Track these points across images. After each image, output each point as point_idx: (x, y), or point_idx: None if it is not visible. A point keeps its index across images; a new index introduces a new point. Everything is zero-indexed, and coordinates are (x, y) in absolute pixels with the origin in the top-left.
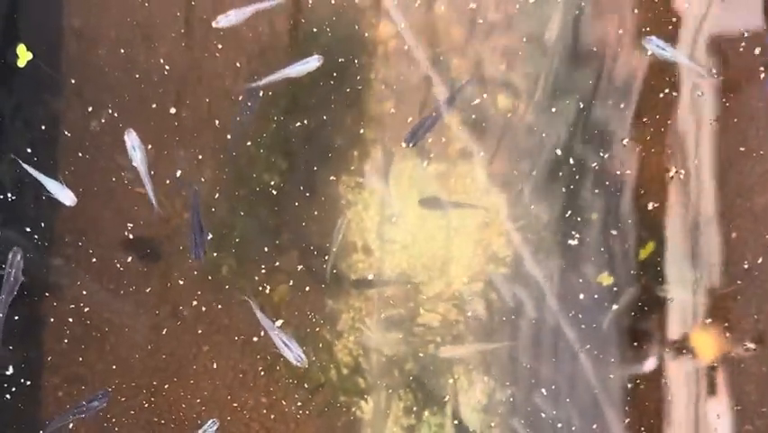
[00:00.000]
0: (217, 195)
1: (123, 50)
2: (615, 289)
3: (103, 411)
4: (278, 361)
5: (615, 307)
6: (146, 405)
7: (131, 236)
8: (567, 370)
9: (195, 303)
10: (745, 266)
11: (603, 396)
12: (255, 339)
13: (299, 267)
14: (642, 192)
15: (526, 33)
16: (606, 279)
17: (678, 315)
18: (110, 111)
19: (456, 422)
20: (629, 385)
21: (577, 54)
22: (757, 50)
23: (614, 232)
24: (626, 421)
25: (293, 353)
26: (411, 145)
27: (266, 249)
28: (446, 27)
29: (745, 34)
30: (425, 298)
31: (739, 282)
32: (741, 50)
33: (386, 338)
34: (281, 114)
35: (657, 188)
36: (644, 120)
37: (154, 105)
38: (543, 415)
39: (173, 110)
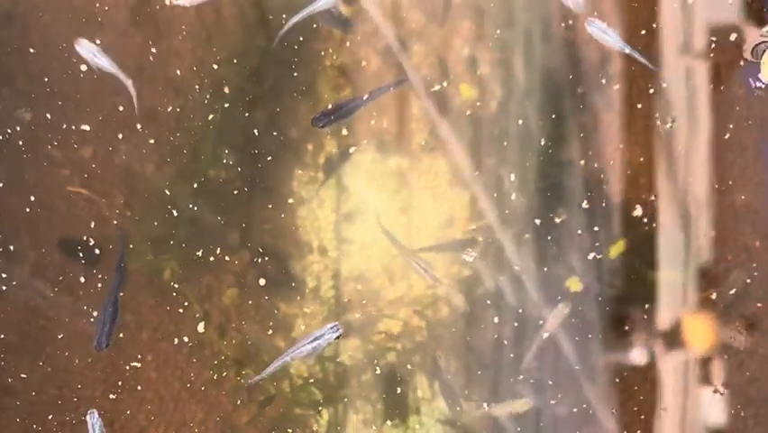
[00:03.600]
0: (160, 190)
1: (59, 36)
2: (586, 292)
3: (41, 424)
4: (228, 370)
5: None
6: (86, 419)
7: (67, 237)
8: (542, 375)
9: (137, 308)
10: (725, 266)
11: (589, 390)
12: (204, 348)
13: (250, 269)
14: (622, 186)
15: (494, 18)
16: (575, 284)
17: (666, 308)
18: (44, 102)
19: None
20: (616, 380)
21: (547, 42)
22: (733, 37)
23: (586, 229)
24: (615, 414)
25: None
26: (320, 126)
27: (212, 250)
28: (408, 10)
29: (725, 23)
30: (385, 302)
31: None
32: (721, 39)
33: (343, 346)
34: (229, 103)
35: (639, 180)
36: (622, 109)
37: (94, 95)
38: (510, 421)
39: (115, 100)
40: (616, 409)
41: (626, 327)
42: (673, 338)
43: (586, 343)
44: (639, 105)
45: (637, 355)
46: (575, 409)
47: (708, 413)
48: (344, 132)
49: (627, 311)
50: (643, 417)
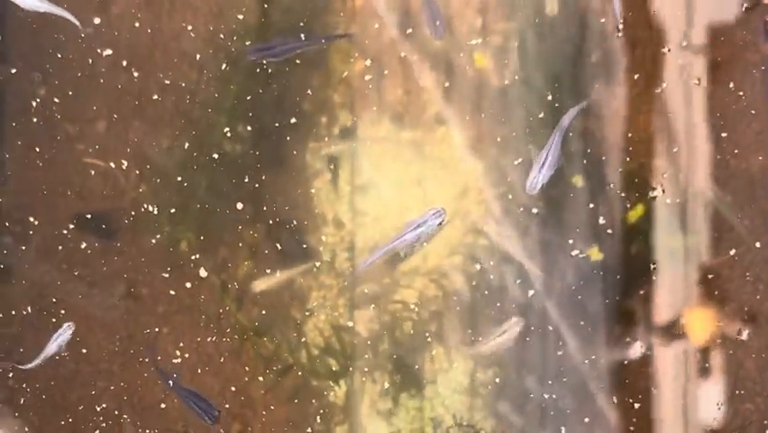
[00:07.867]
0: (175, 164)
1: (73, 14)
2: (602, 261)
3: (59, 399)
4: (245, 341)
5: (602, 280)
6: (105, 391)
7: (83, 212)
8: (553, 348)
9: (152, 281)
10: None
11: (591, 374)
12: (221, 319)
13: (265, 241)
14: (628, 155)
15: None
16: (595, 254)
17: (668, 287)
18: (57, 79)
19: (436, 405)
20: (618, 363)
21: (559, 11)
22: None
23: (600, 198)
24: (616, 401)
25: None
26: (253, 59)
27: (228, 222)
28: None
29: None
30: (400, 273)
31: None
32: (734, 4)
33: (359, 317)
34: (243, 76)
35: (645, 151)
36: (632, 78)
37: (106, 71)
38: (530, 396)
39: (126, 75)
40: (616, 397)
41: (628, 310)
42: (675, 323)
43: (591, 318)
44: (653, 70)
45: (637, 343)
46: (579, 399)
47: (708, 400)
48: (357, 104)
49: (629, 292)
50: (642, 405)
